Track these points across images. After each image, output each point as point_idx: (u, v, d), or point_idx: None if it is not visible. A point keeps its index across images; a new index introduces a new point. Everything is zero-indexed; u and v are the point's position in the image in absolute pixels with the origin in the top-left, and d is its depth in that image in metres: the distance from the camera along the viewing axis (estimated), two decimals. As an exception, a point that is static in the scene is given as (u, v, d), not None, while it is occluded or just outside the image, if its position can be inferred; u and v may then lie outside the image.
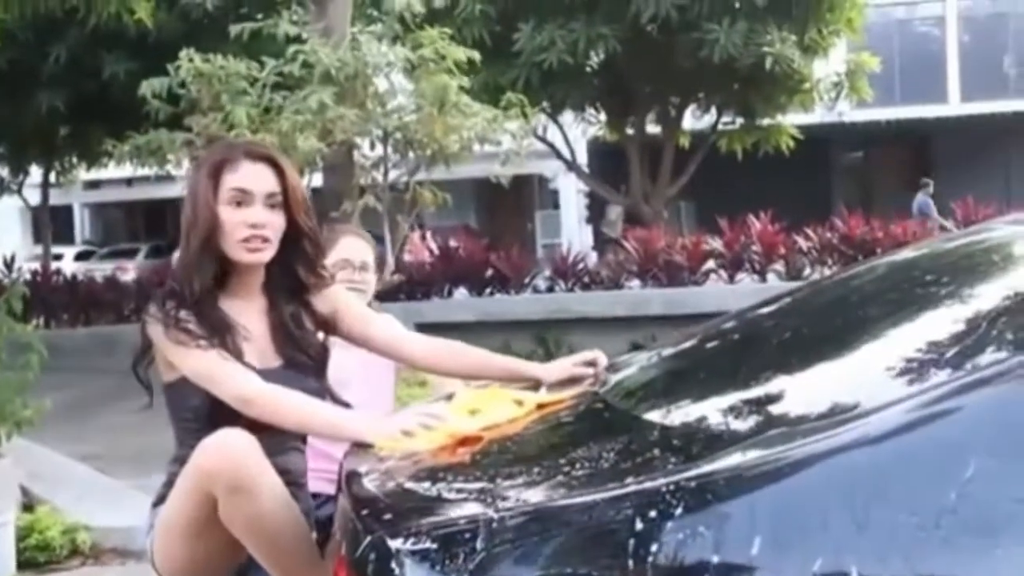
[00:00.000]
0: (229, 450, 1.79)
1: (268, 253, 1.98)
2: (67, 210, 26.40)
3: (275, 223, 1.97)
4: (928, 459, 1.26)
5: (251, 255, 1.96)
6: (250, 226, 1.95)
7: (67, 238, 25.56)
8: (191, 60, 6.18)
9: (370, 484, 1.54)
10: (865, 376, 1.60)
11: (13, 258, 15.03)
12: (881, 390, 1.46)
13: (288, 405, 1.90)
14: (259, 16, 7.51)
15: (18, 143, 14.85)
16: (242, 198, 1.95)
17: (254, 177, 1.97)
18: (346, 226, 2.51)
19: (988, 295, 1.78)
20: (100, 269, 17.71)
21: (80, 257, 22.70)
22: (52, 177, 16.52)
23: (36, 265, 16.11)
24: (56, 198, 18.65)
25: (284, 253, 2.01)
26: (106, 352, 9.04)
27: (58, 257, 19.91)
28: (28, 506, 4.51)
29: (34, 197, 17.23)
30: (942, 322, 1.71)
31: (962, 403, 1.31)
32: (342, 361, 2.35)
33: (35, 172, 16.47)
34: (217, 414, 1.89)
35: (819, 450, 1.30)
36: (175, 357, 1.93)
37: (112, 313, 12.13)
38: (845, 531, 1.22)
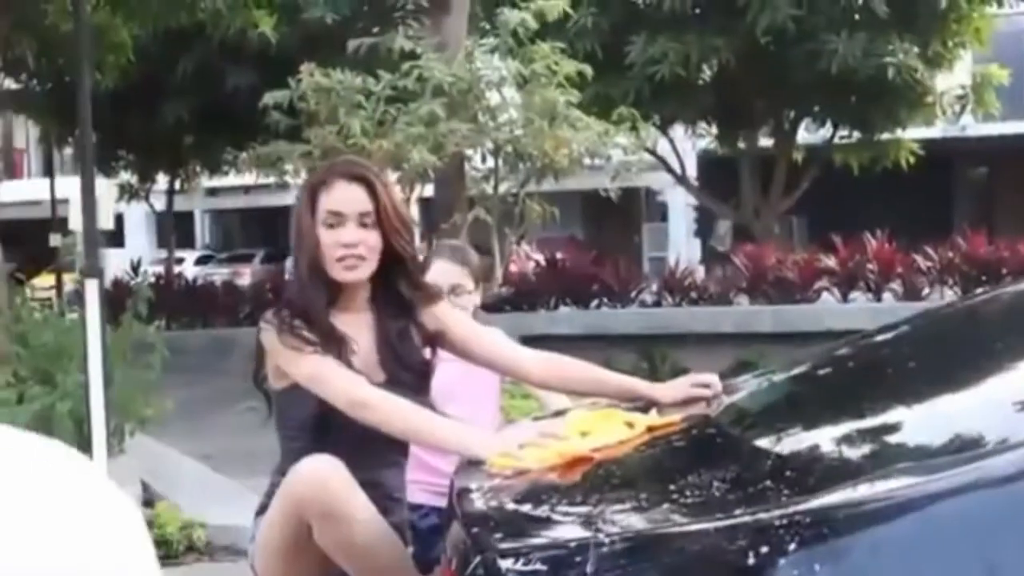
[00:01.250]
0: (318, 478, 1.84)
1: (364, 271, 2.03)
2: (189, 216, 27.47)
3: (369, 241, 2.02)
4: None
5: (347, 273, 2.02)
6: (343, 245, 2.00)
7: (188, 243, 26.62)
8: (312, 74, 6.37)
9: (481, 502, 1.55)
10: (996, 410, 1.53)
11: (140, 262, 15.76)
12: (1014, 426, 1.39)
13: (401, 411, 1.92)
14: (376, 30, 7.69)
15: (146, 152, 15.57)
16: (335, 220, 2.01)
17: (346, 198, 2.02)
18: (442, 248, 2.55)
19: None
20: (218, 273, 18.41)
21: (200, 261, 23.62)
22: (177, 184, 17.25)
23: (160, 268, 16.84)
24: (179, 204, 19.44)
25: (386, 270, 2.06)
26: (222, 354, 9.37)
27: (180, 261, 20.76)
28: (148, 501, 4.69)
29: (159, 203, 18.01)
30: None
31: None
32: (446, 373, 2.38)
33: (161, 179, 17.22)
34: (324, 426, 1.94)
35: (946, 487, 1.25)
36: (288, 362, 1.98)
37: (228, 316, 12.57)
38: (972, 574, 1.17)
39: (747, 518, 1.28)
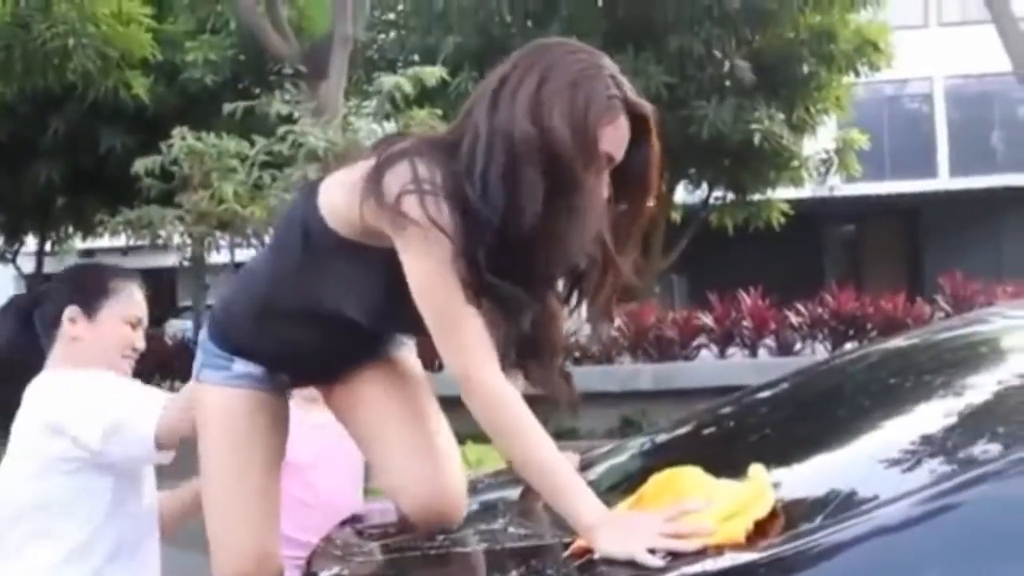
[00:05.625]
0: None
1: None
2: (62, 279, 26.45)
3: None
4: (916, 563, 1.22)
5: None
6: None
7: (61, 307, 25.54)
8: (184, 138, 6.27)
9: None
10: (840, 474, 1.58)
11: (5, 328, 15.01)
12: (854, 488, 1.43)
13: (526, 429, 1.47)
14: (257, 91, 7.63)
15: (14, 213, 14.96)
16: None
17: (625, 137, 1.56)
18: None
19: (986, 387, 1.75)
20: (92, 338, 17.64)
21: (73, 326, 22.61)
22: (47, 246, 16.59)
23: (28, 334, 16.04)
24: (51, 266, 18.66)
25: None
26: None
27: (51, 326, 19.87)
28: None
29: (28, 265, 17.27)
30: (930, 416, 1.68)
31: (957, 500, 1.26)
32: (318, 440, 2.30)
33: (30, 241, 16.55)
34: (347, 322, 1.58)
35: (787, 553, 1.27)
36: (412, 243, 1.47)
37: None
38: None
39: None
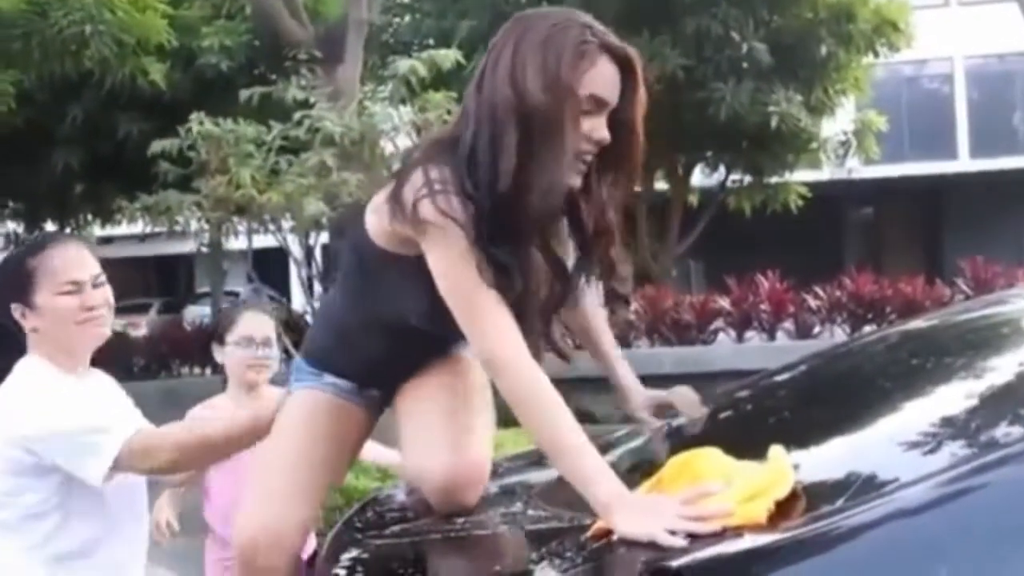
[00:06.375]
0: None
1: None
2: (81, 265, 26.59)
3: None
4: (937, 545, 1.22)
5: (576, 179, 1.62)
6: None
7: (80, 293, 25.71)
8: (201, 123, 6.28)
9: None
10: (860, 456, 1.57)
11: (25, 314, 15.12)
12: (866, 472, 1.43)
13: (551, 408, 1.47)
14: (273, 76, 7.64)
15: (33, 201, 15.06)
16: (595, 108, 1.56)
17: (614, 83, 1.57)
18: (247, 303, 2.43)
19: (1007, 368, 1.74)
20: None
21: (93, 312, 22.73)
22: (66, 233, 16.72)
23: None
24: (70, 254, 18.83)
25: None
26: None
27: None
28: None
29: (48, 253, 17.40)
30: (951, 398, 1.67)
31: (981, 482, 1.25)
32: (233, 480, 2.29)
33: (49, 228, 16.67)
34: (410, 338, 1.67)
35: (808, 534, 1.27)
36: (433, 242, 1.52)
37: (120, 369, 12.14)
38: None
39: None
